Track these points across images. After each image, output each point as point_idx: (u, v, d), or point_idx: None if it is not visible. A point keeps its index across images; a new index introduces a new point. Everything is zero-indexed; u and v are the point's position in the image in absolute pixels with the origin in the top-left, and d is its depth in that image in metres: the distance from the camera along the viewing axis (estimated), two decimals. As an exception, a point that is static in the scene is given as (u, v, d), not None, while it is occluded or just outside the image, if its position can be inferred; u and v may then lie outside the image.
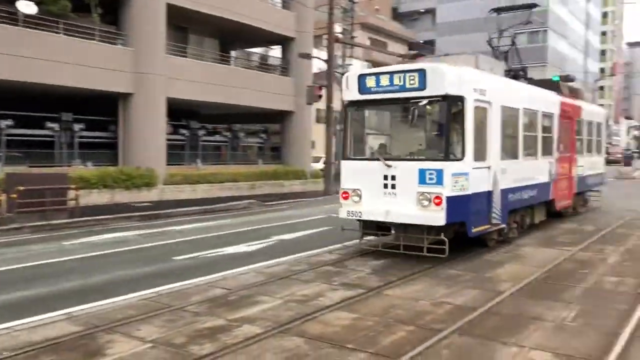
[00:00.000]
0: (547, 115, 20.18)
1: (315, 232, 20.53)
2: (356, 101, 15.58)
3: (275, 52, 46.19)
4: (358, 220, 15.52)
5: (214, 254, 16.18)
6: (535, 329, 9.39)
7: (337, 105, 46.36)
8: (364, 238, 16.26)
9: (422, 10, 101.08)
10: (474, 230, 15.05)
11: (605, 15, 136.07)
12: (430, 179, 14.16)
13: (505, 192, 16.47)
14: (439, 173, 14.09)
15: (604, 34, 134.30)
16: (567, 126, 22.11)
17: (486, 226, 15.63)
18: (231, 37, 40.68)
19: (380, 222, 15.23)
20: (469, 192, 14.64)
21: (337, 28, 50.67)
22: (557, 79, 24.29)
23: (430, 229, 14.54)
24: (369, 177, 15.10)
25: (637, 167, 67.58)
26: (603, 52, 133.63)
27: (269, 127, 43.65)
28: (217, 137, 39.25)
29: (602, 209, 27.00)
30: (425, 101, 14.30)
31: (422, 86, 14.29)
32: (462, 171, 14.41)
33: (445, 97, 14.21)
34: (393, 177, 14.73)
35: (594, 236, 18.69)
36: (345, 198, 15.52)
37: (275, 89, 39.06)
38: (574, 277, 13.00)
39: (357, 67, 73.74)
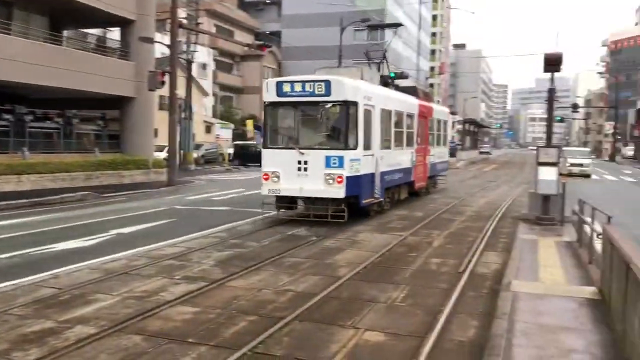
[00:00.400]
0: (410, 115, 26.24)
1: (158, 224, 20.05)
2: (275, 102, 20.30)
3: (115, 34, 44.66)
4: (276, 195, 20.28)
5: (43, 251, 15.34)
6: (369, 310, 10.15)
7: (181, 92, 45.56)
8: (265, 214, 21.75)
9: (268, 1, 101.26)
10: (364, 202, 20.67)
11: (435, 17, 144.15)
12: (334, 163, 19.38)
13: (382, 175, 22.25)
14: (341, 159, 19.37)
15: (434, 35, 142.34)
16: (423, 123, 28.51)
17: (371, 199, 21.28)
18: (63, 16, 38.98)
19: (294, 197, 20.43)
20: (361, 173, 20.11)
21: (182, 13, 49.74)
22: (393, 75, 28.51)
23: (333, 201, 19.74)
24: (286, 161, 19.88)
25: (460, 158, 75.11)
26: (433, 52, 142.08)
27: (108, 113, 42.15)
28: (49, 124, 37.48)
29: (445, 191, 33.25)
30: (329, 104, 19.31)
31: (328, 93, 19.36)
32: (356, 157, 19.79)
33: (345, 102, 19.40)
34: (305, 162, 19.67)
35: (422, 222, 20.88)
36: (266, 179, 20.12)
37: (114, 73, 37.76)
38: (404, 260, 14.34)
39: (203, 54, 72.94)
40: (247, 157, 58.66)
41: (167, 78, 34.70)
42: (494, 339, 8.29)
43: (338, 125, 19.87)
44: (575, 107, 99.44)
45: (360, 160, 20.12)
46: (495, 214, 23.66)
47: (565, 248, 15.65)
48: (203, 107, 70.31)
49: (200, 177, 41.54)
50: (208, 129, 69.41)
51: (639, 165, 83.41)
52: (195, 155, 53.17)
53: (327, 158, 19.57)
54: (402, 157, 25.31)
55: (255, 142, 64.80)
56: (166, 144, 39.38)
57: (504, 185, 38.68)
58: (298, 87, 19.99)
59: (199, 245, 15.86)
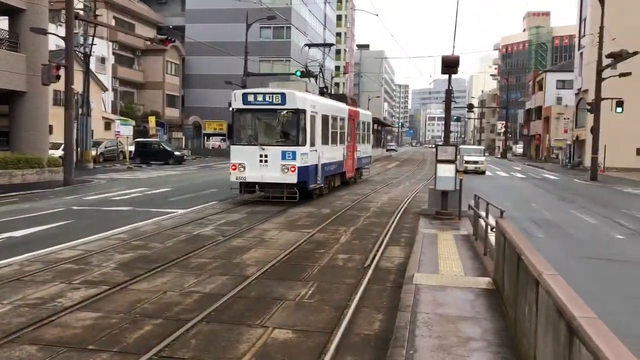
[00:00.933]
0: (342, 118, 32.65)
1: (54, 226, 19.50)
2: (241, 109, 26.34)
3: (3, 23, 43.43)
4: (242, 182, 26.56)
5: None
6: (278, 308, 10.44)
7: (78, 87, 44.87)
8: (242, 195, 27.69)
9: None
10: (311, 186, 26.92)
11: (339, 17, 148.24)
12: (289, 156, 25.51)
13: (323, 166, 28.60)
14: (294, 153, 25.51)
15: (339, 35, 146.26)
16: (352, 125, 35.45)
17: (315, 185, 27.54)
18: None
19: (256, 183, 26.40)
20: (308, 164, 26.33)
21: (78, 4, 48.93)
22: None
23: (288, 186, 25.99)
24: (250, 155, 25.85)
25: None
26: (338, 52, 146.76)
27: (-3, 109, 41.07)
28: None
29: (365, 182, 39.28)
30: (284, 111, 25.62)
31: (283, 102, 25.59)
32: (305, 152, 25.88)
33: (296, 110, 25.68)
34: (266, 156, 25.73)
35: (329, 218, 21.79)
36: (234, 169, 26.15)
37: (2, 66, 36.49)
38: (312, 257, 14.87)
39: (102, 47, 71.94)
40: (149, 154, 58.48)
41: (62, 72, 34.01)
42: (398, 331, 8.80)
43: (291, 128, 25.98)
44: (470, 107, 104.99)
45: (307, 154, 26.29)
46: (398, 209, 24.82)
47: (462, 241, 16.64)
48: (102, 102, 69.29)
49: (99, 176, 40.80)
50: (107, 125, 68.54)
51: (528, 162, 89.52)
52: (93, 153, 52.42)
53: (283, 152, 25.70)
54: (337, 152, 31.71)
55: (158, 140, 64.36)
56: (62, 141, 38.58)
57: (405, 182, 40.88)
58: (260, 98, 26.08)
59: (99, 247, 15.57)
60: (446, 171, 21.64)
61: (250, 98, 26.35)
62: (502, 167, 70.75)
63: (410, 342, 8.33)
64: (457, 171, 21.44)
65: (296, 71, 32.01)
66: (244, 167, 26.19)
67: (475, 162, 53.98)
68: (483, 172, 53.65)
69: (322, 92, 33.51)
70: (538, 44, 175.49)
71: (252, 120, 26.73)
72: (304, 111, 26.18)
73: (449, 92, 23.12)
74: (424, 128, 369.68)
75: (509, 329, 8.94)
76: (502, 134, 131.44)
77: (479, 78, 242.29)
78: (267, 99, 26.10)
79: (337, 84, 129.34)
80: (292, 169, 25.76)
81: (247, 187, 27.24)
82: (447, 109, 23.10)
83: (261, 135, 26.53)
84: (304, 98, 26.54)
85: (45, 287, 11.69)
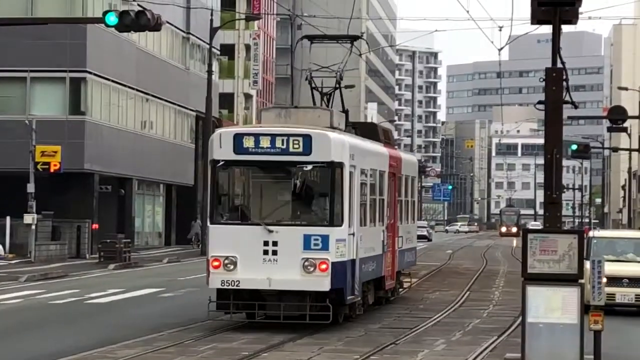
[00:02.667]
0: (381, 174, 23.13)
1: None
2: (231, 161, 18.85)
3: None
4: (231, 289, 18.36)
5: None
6: None
7: None
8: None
9: None
10: (349, 298, 19.11)
11: None
12: (316, 244, 18.25)
13: (361, 262, 20.10)
14: (325, 239, 18.26)
15: None
16: (393, 185, 24.49)
17: (353, 296, 19.48)
18: None
19: (259, 291, 18.65)
20: (345, 259, 18.77)
21: None
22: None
23: (313, 296, 18.51)
24: (246, 242, 18.48)
25: None
26: None
27: None
28: None
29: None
30: (310, 166, 18.86)
31: (307, 151, 18.39)
32: (342, 237, 18.66)
33: (330, 164, 18.51)
34: (275, 243, 18.27)
35: None
36: (216, 267, 18.34)
37: None
38: None
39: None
40: None
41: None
42: None
43: (319, 194, 19.27)
44: (615, 116, 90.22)
45: (345, 241, 18.76)
46: None
47: None
48: None
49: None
50: None
51: None
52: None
53: (306, 238, 18.24)
54: (375, 239, 22.29)
55: None
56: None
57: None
58: (265, 142, 18.64)
59: None
60: (553, 309, 10.27)
61: (249, 143, 18.78)
62: None
63: None
64: (585, 308, 10.25)
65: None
66: (234, 264, 18.30)
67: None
68: None
69: (351, 126, 22.99)
70: None
71: (251, 182, 19.97)
72: (340, 165, 18.70)
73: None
74: (484, 169, 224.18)
75: None
76: None
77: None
78: (278, 144, 18.64)
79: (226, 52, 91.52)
80: (323, 265, 18.07)
81: (240, 300, 18.78)
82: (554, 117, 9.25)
83: (267, 208, 19.49)
84: (343, 144, 19.23)
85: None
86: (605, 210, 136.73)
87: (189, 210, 63.80)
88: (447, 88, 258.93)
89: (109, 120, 52.68)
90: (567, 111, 13.43)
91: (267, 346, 16.41)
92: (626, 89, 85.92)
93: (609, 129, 58.18)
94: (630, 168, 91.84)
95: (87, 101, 50.19)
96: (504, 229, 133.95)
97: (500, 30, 41.10)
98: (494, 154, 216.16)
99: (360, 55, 77.22)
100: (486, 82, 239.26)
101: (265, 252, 18.28)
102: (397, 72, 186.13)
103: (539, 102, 11.68)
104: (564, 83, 11.21)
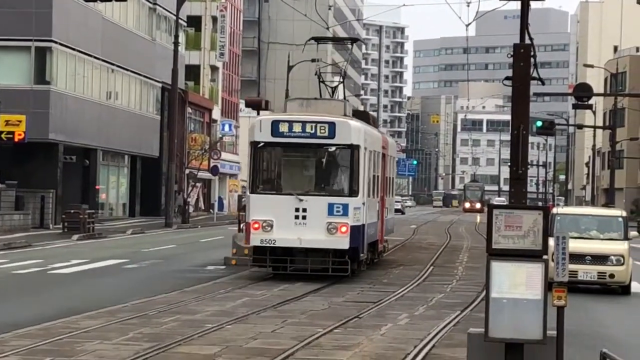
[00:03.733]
0: (378, 155, 27.08)
1: None
2: (269, 142, 22.95)
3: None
4: (269, 247, 22.46)
5: None
6: None
7: None
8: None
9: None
10: (361, 255, 23.77)
11: None
12: (338, 211, 22.38)
13: (367, 227, 24.23)
14: (345, 207, 22.40)
15: None
16: (384, 164, 28.51)
17: (364, 254, 24.09)
18: None
19: (291, 249, 22.78)
20: (360, 223, 22.97)
21: None
22: None
23: (336, 253, 22.56)
24: (281, 208, 22.35)
25: None
26: None
27: None
28: None
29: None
30: (334, 148, 22.85)
31: (332, 135, 22.50)
32: (358, 206, 22.91)
33: (350, 146, 22.77)
34: (304, 210, 22.27)
35: None
36: (256, 228, 22.21)
37: None
38: None
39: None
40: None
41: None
42: None
43: (341, 171, 23.21)
44: (580, 94, 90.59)
45: (360, 209, 22.83)
46: None
47: None
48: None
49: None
50: None
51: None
52: None
53: (330, 206, 22.19)
54: (375, 208, 26.31)
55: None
56: None
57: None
58: (297, 128, 22.58)
59: None
60: (517, 284, 9.88)
61: (284, 128, 22.84)
62: None
63: None
64: (549, 284, 9.80)
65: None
66: (271, 226, 22.18)
67: (602, 259, 23.65)
68: (625, 287, 24.18)
69: (360, 115, 28.31)
70: None
71: (285, 160, 23.99)
72: (358, 147, 22.96)
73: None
74: (449, 145, 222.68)
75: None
76: None
77: (608, 10, 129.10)
78: (308, 129, 22.71)
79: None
80: (344, 228, 22.08)
81: (277, 256, 22.81)
82: (520, 93, 10.95)
83: (298, 181, 23.59)
84: (359, 130, 23.57)
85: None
86: (569, 187, 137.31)
87: (153, 182, 63.39)
88: (413, 63, 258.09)
89: (74, 90, 52.08)
90: (533, 88, 13.35)
91: (231, 318, 16.33)
92: (592, 66, 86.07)
93: (574, 106, 58.30)
94: (594, 145, 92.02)
95: (53, 71, 49.56)
96: (467, 205, 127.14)
97: (468, 5, 41.04)
98: (459, 129, 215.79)
99: (327, 28, 76.92)
100: (453, 57, 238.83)
101: (297, 217, 22.25)
102: (363, 47, 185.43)
103: (507, 78, 11.60)
104: (532, 59, 11.16)
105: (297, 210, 22.29)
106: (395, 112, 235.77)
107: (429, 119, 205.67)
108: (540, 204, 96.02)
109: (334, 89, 29.85)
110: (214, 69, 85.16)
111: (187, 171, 66.33)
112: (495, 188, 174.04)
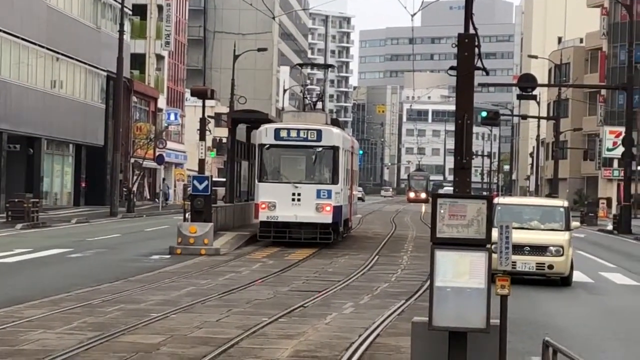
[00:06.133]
0: (348, 152, 34.82)
1: None
2: (273, 144, 30.63)
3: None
4: (273, 222, 30.12)
5: None
6: None
7: None
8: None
9: None
10: (340, 229, 32.61)
11: None
12: (323, 195, 30.10)
13: (343, 208, 32.26)
14: (329, 192, 30.20)
15: None
16: (351, 160, 36.19)
17: (341, 228, 33.08)
18: None
19: (289, 223, 30.16)
20: (340, 204, 31.27)
21: None
22: None
23: (322, 226, 30.19)
24: (282, 193, 30.02)
25: None
26: None
27: None
28: None
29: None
30: (320, 149, 30.72)
31: (319, 139, 30.46)
32: (338, 191, 30.83)
33: (333, 147, 30.78)
34: (299, 194, 29.98)
35: None
36: (263, 208, 29.87)
37: None
38: None
39: None
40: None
41: None
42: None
43: (326, 165, 30.85)
44: (525, 84, 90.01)
45: (340, 194, 30.89)
46: None
47: None
48: None
49: None
50: None
51: None
52: None
53: (318, 191, 29.98)
54: (347, 194, 33.67)
55: None
56: None
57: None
58: (294, 134, 30.43)
59: None
60: (461, 273, 9.84)
61: (283, 134, 30.27)
62: (623, 258, 34.42)
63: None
64: (492, 274, 9.81)
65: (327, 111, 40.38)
66: (275, 206, 29.43)
67: (541, 249, 23.11)
68: (565, 279, 23.47)
69: (335, 122, 37.50)
70: None
71: (285, 157, 30.89)
72: (338, 148, 30.61)
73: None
74: (395, 135, 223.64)
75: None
76: (620, 165, 65.83)
77: (552, 2, 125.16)
78: (302, 135, 30.27)
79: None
80: (328, 208, 29.64)
81: (278, 229, 30.12)
82: (465, 83, 10.95)
83: (294, 173, 30.76)
84: (339, 135, 31.96)
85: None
86: (514, 177, 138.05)
87: (98, 171, 62.60)
88: (359, 53, 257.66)
89: (18, 79, 51.25)
90: (478, 78, 13.37)
91: (176, 308, 16.24)
92: (536, 57, 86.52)
93: (519, 97, 58.63)
94: (538, 135, 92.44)
95: (-4, 59, 48.69)
96: (412, 195, 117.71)
97: (413, -4, 40.97)
98: (404, 119, 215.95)
99: (273, 18, 76.51)
100: (398, 47, 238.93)
101: (293, 200, 29.85)
102: (310, 36, 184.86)
103: (451, 68, 11.57)
104: (476, 49, 11.14)
105: (293, 194, 29.78)
106: (341, 102, 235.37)
107: (374, 109, 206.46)
108: (485, 194, 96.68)
109: (315, 103, 42.01)
110: (159, 57, 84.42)
111: (132, 160, 65.62)
112: (441, 178, 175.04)
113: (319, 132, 30.05)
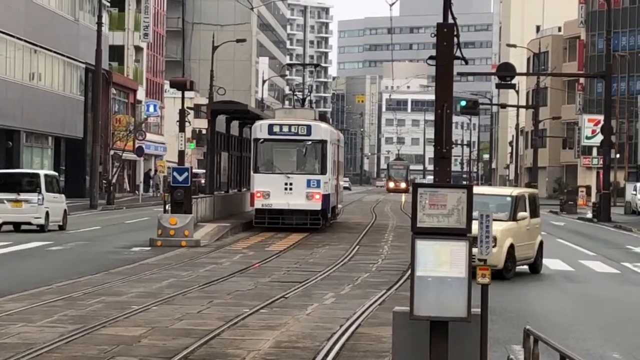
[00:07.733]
0: (335, 145, 38.10)
1: None
2: (267, 139, 33.55)
3: None
4: (267, 209, 32.99)
5: None
6: None
7: None
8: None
9: None
10: (329, 215, 35.92)
11: None
12: (313, 184, 32.91)
13: (330, 196, 35.28)
14: (318, 182, 33.08)
15: None
16: (337, 152, 39.92)
17: (329, 214, 36.19)
18: None
19: (282, 210, 33.09)
20: (329, 192, 34.37)
21: None
22: None
23: (312, 213, 33.30)
24: (275, 183, 32.93)
25: None
26: None
27: None
28: None
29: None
30: (310, 142, 33.69)
31: (309, 134, 33.49)
32: (327, 181, 33.83)
33: (321, 141, 33.79)
34: (291, 184, 32.84)
35: None
36: (259, 197, 32.73)
37: None
38: None
39: None
40: None
41: None
42: None
43: (315, 157, 33.66)
44: (503, 74, 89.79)
45: (328, 183, 33.82)
46: None
47: None
48: None
49: None
50: None
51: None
52: None
53: (308, 181, 32.76)
54: (333, 183, 36.54)
55: None
56: None
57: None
58: (285, 129, 33.34)
59: None
60: (442, 263, 9.77)
61: (276, 129, 33.28)
62: (602, 246, 34.15)
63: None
64: (472, 263, 9.77)
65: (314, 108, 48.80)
66: (269, 195, 32.22)
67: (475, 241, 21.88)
68: (498, 272, 21.63)
69: (322, 117, 41.41)
70: None
71: (277, 150, 33.74)
72: (326, 142, 33.52)
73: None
74: (374, 125, 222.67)
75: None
76: (599, 153, 63.39)
77: None
78: (293, 130, 33.17)
79: None
80: (317, 196, 32.48)
81: (272, 215, 32.95)
82: (444, 72, 10.81)
83: (286, 164, 33.44)
84: (327, 130, 35.10)
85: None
86: (493, 166, 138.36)
87: (78, 163, 62.30)
88: (338, 43, 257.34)
89: (-4, 71, 50.86)
90: (457, 67, 13.33)
91: (157, 300, 16.19)
92: (514, 46, 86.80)
93: (498, 86, 58.71)
94: (517, 124, 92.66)
95: (-27, 51, 48.31)
96: (391, 184, 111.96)
97: (392, -15, 40.73)
98: (384, 109, 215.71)
99: (251, 9, 76.28)
100: (377, 37, 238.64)
101: (286, 189, 32.56)
102: (288, 27, 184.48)
103: (430, 57, 11.53)
104: (455, 39, 11.12)
105: (286, 184, 32.48)
106: (320, 93, 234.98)
107: (354, 99, 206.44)
108: (465, 182, 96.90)
109: (304, 100, 48.79)
110: (138, 49, 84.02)
111: (111, 152, 65.36)
112: (421, 167, 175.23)
113: (309, 127, 32.93)
